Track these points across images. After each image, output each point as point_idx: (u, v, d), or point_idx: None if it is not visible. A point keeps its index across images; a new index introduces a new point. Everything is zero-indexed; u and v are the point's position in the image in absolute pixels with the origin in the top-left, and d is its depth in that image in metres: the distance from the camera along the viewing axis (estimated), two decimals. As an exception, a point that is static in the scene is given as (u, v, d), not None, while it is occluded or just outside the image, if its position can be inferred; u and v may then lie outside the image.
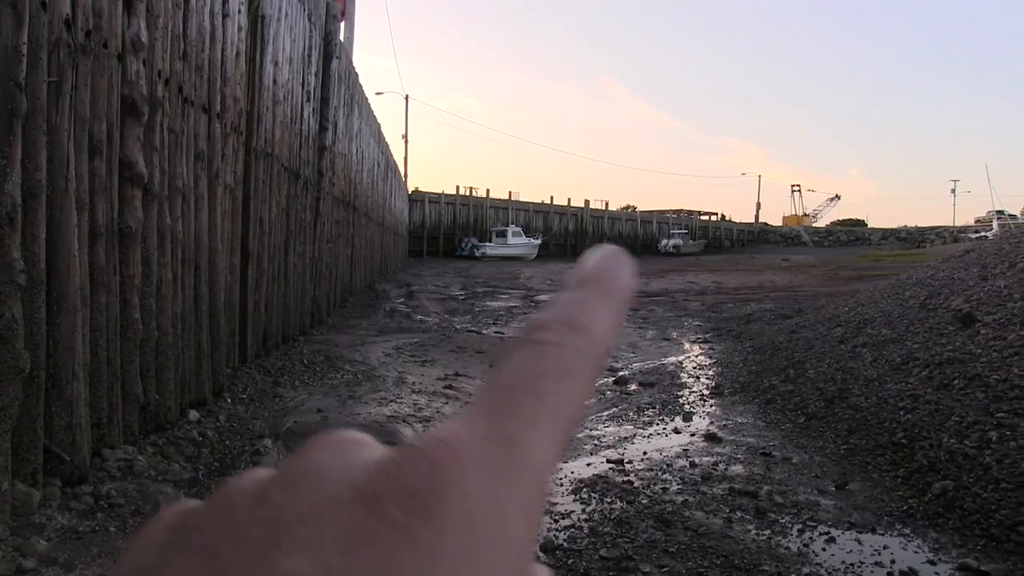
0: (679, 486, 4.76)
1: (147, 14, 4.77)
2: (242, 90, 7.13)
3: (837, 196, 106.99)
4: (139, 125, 4.75)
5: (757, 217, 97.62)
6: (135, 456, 4.54)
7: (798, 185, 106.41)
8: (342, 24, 15.63)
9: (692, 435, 6.05)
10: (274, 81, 8.37)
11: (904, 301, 8.87)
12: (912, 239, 76.76)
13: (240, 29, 6.94)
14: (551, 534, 3.96)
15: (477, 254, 51.73)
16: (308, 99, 10.61)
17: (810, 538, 3.99)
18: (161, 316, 5.17)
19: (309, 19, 10.37)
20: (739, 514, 4.29)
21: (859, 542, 3.96)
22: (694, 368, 9.31)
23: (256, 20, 7.55)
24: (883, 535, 4.07)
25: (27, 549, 3.22)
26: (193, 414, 5.65)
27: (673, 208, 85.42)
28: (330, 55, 11.86)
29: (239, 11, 6.85)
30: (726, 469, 5.11)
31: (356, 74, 15.90)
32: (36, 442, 3.71)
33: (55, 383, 3.90)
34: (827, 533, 4.06)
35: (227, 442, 5.33)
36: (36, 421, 3.69)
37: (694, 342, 11.86)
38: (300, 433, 5.68)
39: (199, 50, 5.83)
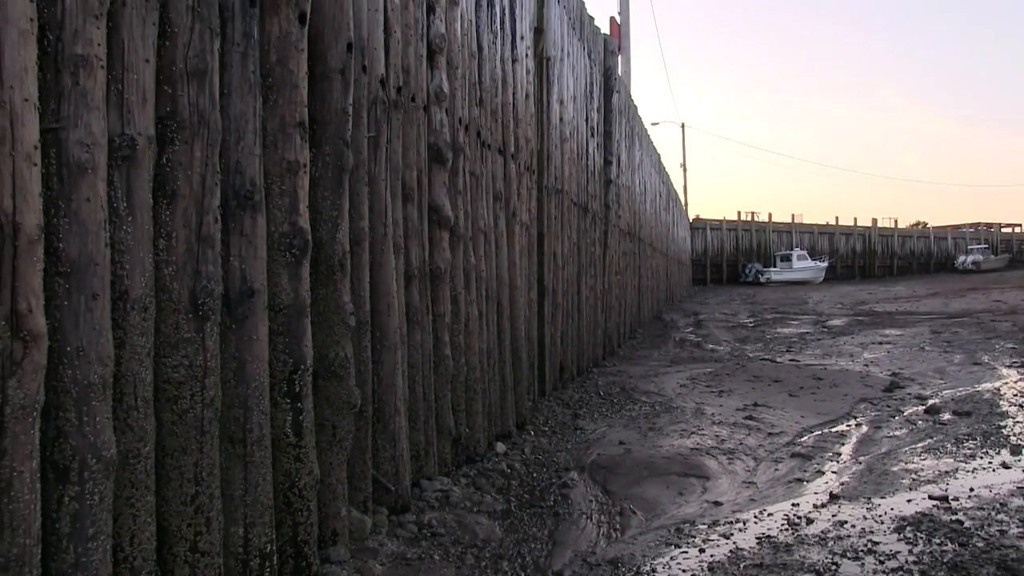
0: (1020, 529, 4.23)
1: (447, 66, 5.04)
2: (532, 130, 7.37)
3: None
4: (444, 171, 5.01)
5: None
6: (450, 487, 4.73)
7: None
8: (619, 58, 15.83)
9: (1026, 471, 5.40)
10: (560, 119, 8.60)
11: None
12: None
13: (528, 72, 7.18)
14: (879, 577, 3.65)
15: (762, 280, 50.32)
16: (592, 135, 10.81)
17: None
18: (469, 352, 5.40)
19: (589, 56, 10.58)
20: (1106, 566, 3.74)
21: None
22: (1015, 396, 8.35)
23: (542, 62, 7.80)
24: None
25: (367, 571, 3.44)
26: (500, 447, 5.83)
27: (969, 222, 78.34)
28: (610, 90, 12.03)
29: (526, 55, 7.10)
30: (1078, 513, 4.49)
31: (635, 106, 16.02)
32: (366, 472, 3.96)
33: (380, 417, 4.16)
34: None
35: (534, 474, 5.44)
36: (365, 453, 3.95)
37: (1010, 367, 10.66)
38: (605, 466, 5.70)
39: (493, 95, 6.09)
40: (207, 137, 2.75)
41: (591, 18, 10.86)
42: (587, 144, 10.43)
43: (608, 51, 12.10)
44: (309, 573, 3.29)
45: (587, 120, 10.45)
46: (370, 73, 4.02)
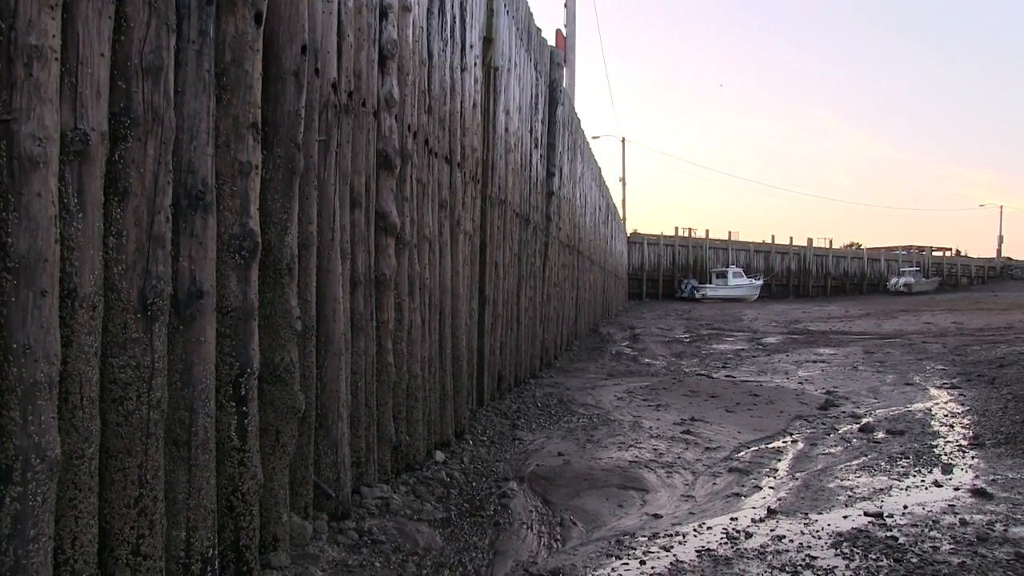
0: (951, 546, 4.36)
1: (398, 72, 5.04)
2: (479, 140, 7.39)
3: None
4: (392, 177, 5.00)
5: (999, 251, 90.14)
6: (391, 495, 4.72)
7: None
8: (564, 71, 15.96)
9: (956, 489, 5.56)
10: (506, 130, 8.64)
11: None
12: None
13: (476, 81, 7.21)
14: (815, 590, 3.74)
15: (697, 296, 50.99)
16: (536, 146, 10.87)
17: None
18: (411, 360, 5.39)
19: (535, 68, 10.65)
20: (1032, 581, 3.88)
21: None
22: (945, 416, 8.62)
23: (489, 72, 7.83)
24: None
25: (308, 579, 3.41)
26: (439, 455, 5.83)
27: (902, 244, 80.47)
28: (555, 102, 12.13)
29: (475, 64, 7.13)
30: (1005, 530, 4.63)
31: (578, 119, 16.16)
32: (307, 478, 3.93)
33: (322, 423, 4.14)
34: None
35: (474, 483, 5.45)
36: (307, 459, 3.92)
37: (940, 387, 11.00)
38: (545, 476, 5.72)
39: (442, 103, 6.10)
40: (161, 135, 2.71)
41: (538, 29, 10.94)
42: (531, 155, 10.49)
43: (554, 63, 12.20)
44: (250, 578, 3.25)
45: (531, 131, 10.51)
46: (323, 76, 4.00)
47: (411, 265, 5.39)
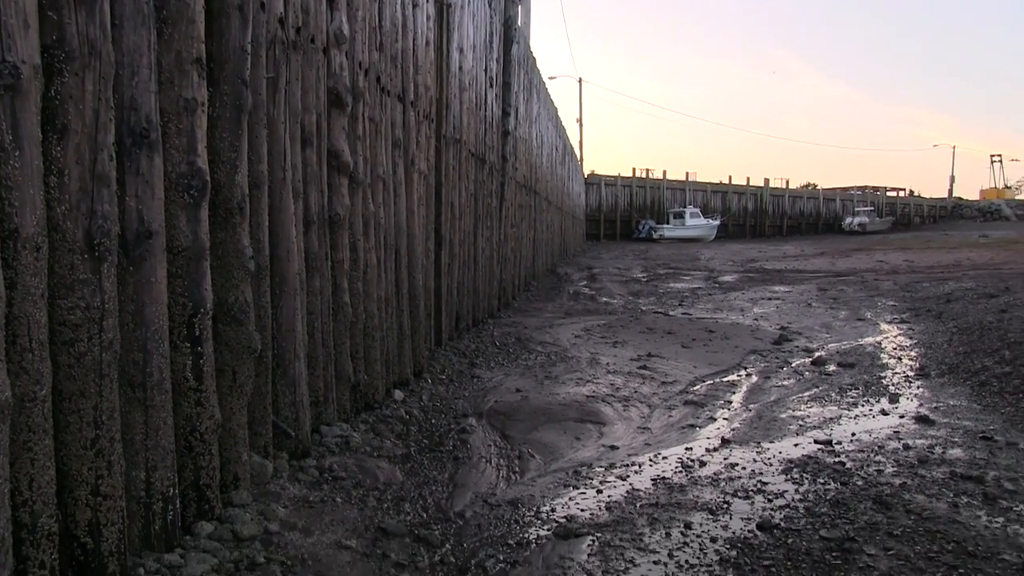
0: (894, 468, 4.52)
1: (347, 8, 4.95)
2: (432, 78, 7.31)
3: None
4: (344, 116, 4.94)
5: (951, 191, 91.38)
6: (350, 433, 4.74)
7: (998, 155, 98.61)
8: (520, 8, 15.76)
9: (901, 417, 5.73)
10: (460, 68, 8.55)
11: None
12: None
13: (428, 18, 7.10)
14: (767, 513, 3.84)
15: (655, 236, 51.23)
16: (491, 85, 10.77)
17: (1056, 528, 3.68)
18: (367, 299, 5.38)
19: (489, 5, 10.50)
20: (965, 499, 4.02)
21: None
22: (894, 349, 8.84)
23: (442, 8, 7.71)
24: None
25: (269, 514, 3.43)
26: (398, 394, 5.86)
27: (857, 185, 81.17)
28: (510, 40, 11.99)
29: (427, 0, 7.01)
30: (944, 452, 4.80)
31: (534, 59, 16.01)
32: (266, 418, 3.95)
33: (279, 363, 4.13)
34: (1075, 522, 3.74)
35: (433, 420, 5.50)
36: (265, 398, 3.93)
37: (890, 322, 11.26)
38: (503, 412, 5.79)
39: (393, 40, 6.00)
40: (99, 70, 2.63)
41: (491, -35, 10.77)
42: (486, 95, 10.40)
43: (510, 0, 12.03)
44: (212, 516, 3.27)
45: (486, 70, 10.40)
46: (268, 11, 3.92)
47: (365, 205, 5.35)
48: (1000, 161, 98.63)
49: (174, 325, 3.11)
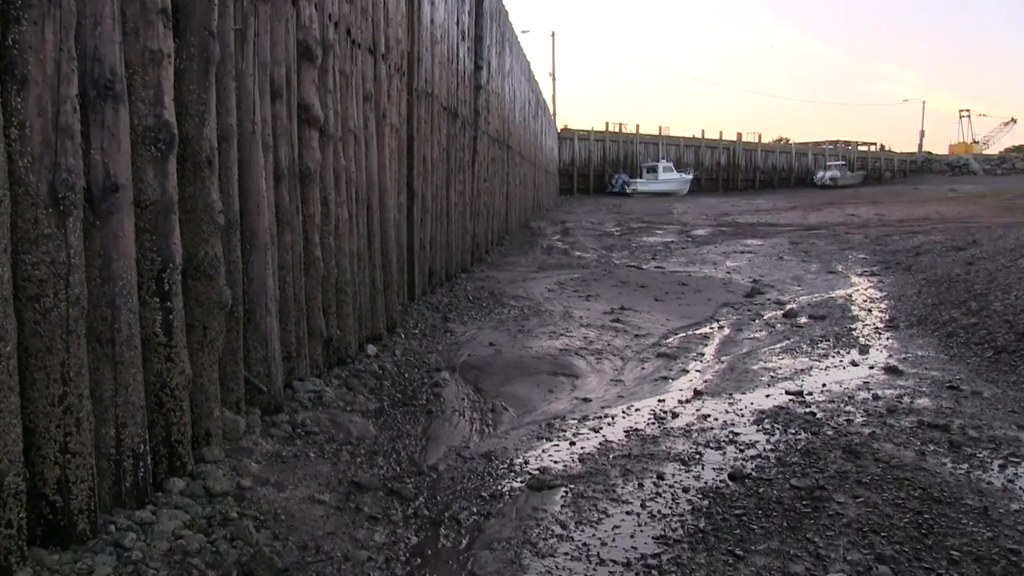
0: (864, 418, 4.60)
1: (316, -43, 4.85)
2: (403, 31, 7.21)
3: (1013, 120, 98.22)
4: (313, 68, 4.87)
5: (921, 146, 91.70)
6: (323, 388, 4.74)
7: (967, 110, 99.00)
8: (491, -39, 15.53)
9: (871, 368, 5.83)
10: (432, 21, 8.43)
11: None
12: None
13: (399, -31, 6.99)
14: (738, 463, 3.90)
15: (628, 190, 51.24)
16: (463, 38, 10.65)
17: (1015, 474, 3.77)
18: (339, 254, 5.35)
19: (461, -44, 10.35)
20: (932, 447, 4.11)
21: (1071, 477, 3.72)
22: (864, 301, 8.96)
23: (413, -41, 7.59)
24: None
25: (242, 470, 3.43)
26: (371, 348, 5.85)
27: (829, 139, 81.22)
28: (482, -8, 11.84)
29: (397, -50, 6.89)
30: (912, 402, 4.89)
31: (506, 11, 15.82)
32: (238, 373, 3.93)
33: (251, 318, 4.10)
34: (1033, 469, 3.83)
35: (406, 375, 5.50)
36: (237, 354, 3.90)
37: (861, 275, 11.41)
38: (476, 366, 5.80)
39: (363, -9, 5.91)
40: (59, 18, 2.56)
41: (463, -85, 10.58)
42: (458, 48, 10.28)
43: (479, -49, 11.86)
44: (184, 472, 3.26)
45: (458, 23, 10.27)
46: (235, -40, 3.83)
47: (336, 159, 5.29)
48: (969, 116, 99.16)
49: (143, 280, 3.08)
